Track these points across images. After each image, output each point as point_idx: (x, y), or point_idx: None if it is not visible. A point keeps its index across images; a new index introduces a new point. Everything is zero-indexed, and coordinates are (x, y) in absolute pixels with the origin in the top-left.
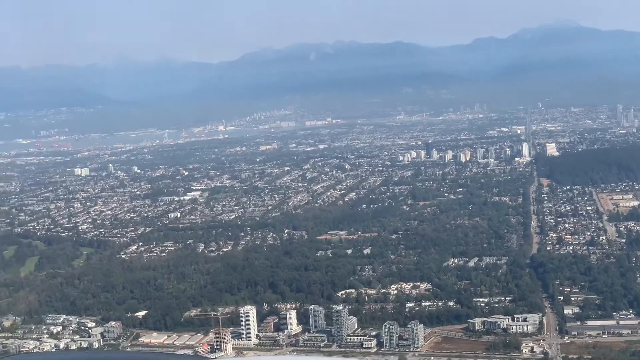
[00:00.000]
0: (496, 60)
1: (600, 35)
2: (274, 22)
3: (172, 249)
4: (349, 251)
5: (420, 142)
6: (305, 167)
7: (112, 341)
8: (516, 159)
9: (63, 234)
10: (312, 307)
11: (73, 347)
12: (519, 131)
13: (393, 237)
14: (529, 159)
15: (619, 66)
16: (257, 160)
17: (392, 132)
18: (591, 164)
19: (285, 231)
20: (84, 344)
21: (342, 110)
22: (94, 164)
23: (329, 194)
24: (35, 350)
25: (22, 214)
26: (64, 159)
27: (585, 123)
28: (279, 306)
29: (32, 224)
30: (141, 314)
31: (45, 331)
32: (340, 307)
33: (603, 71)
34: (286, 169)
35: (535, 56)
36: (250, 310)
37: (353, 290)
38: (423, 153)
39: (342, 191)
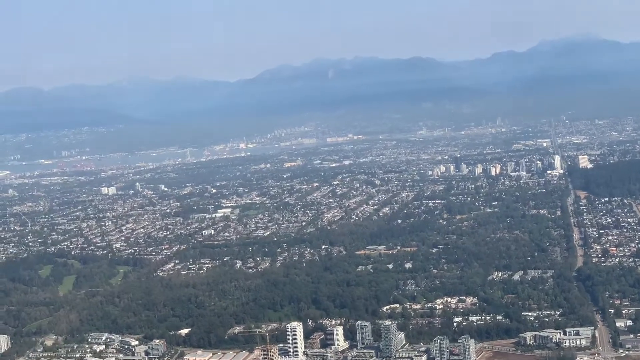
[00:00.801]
0: (516, 74)
1: (621, 48)
2: (291, 39)
3: (210, 266)
4: (390, 266)
5: (446, 157)
6: (334, 182)
7: (156, 359)
8: (548, 171)
9: (97, 253)
10: (359, 322)
11: None
12: (545, 144)
13: (433, 251)
14: (561, 171)
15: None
16: (284, 176)
17: (415, 147)
18: (627, 175)
19: (323, 247)
20: None
21: (363, 126)
22: (119, 182)
23: (362, 209)
24: None
25: (54, 233)
26: (88, 179)
27: (611, 135)
28: (324, 322)
29: (66, 243)
30: (184, 331)
31: (88, 350)
32: (389, 322)
33: (625, 83)
34: (315, 185)
35: (555, 69)
36: (297, 327)
37: (398, 305)
38: (452, 167)
39: (375, 206)
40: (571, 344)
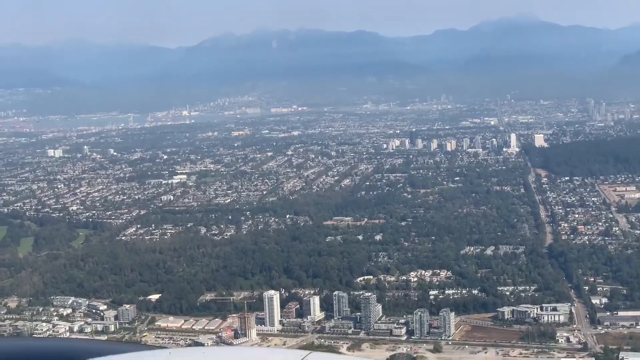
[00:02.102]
0: (458, 52)
1: (560, 31)
2: (234, 7)
3: (173, 231)
4: (360, 237)
5: (398, 131)
6: (288, 153)
7: (127, 325)
8: (504, 149)
9: (54, 215)
10: (336, 293)
11: (87, 329)
12: (492, 122)
13: (402, 224)
14: (517, 149)
15: (579, 61)
16: (235, 145)
17: (363, 120)
18: (585, 155)
19: (287, 216)
20: (99, 327)
21: (307, 98)
22: (63, 145)
23: (322, 180)
24: (49, 333)
25: (4, 193)
26: (29, 140)
27: (557, 116)
28: (298, 292)
29: (19, 204)
30: (154, 297)
31: (54, 313)
32: (369, 293)
33: (564, 66)
34: (269, 154)
35: (496, 49)
36: (274, 295)
37: (372, 277)
38: (407, 141)
39: (335, 177)
40: (549, 319)
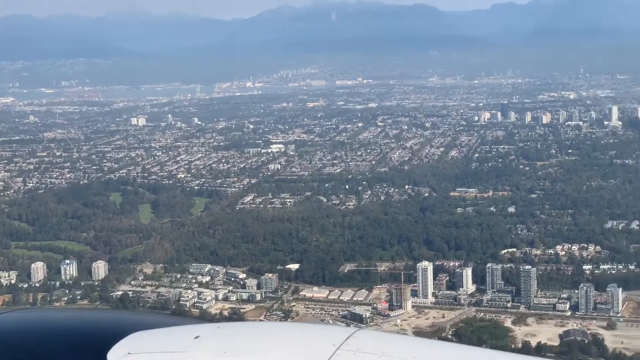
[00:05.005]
0: (518, 26)
1: (621, 3)
2: None
3: (292, 201)
4: (492, 209)
5: (481, 104)
6: (379, 124)
7: (270, 294)
8: (605, 122)
9: (164, 182)
10: (489, 265)
11: (233, 298)
12: (571, 96)
13: (532, 196)
14: (619, 123)
15: None
16: (319, 115)
17: (436, 93)
18: None
19: (406, 187)
20: (244, 296)
21: (371, 71)
22: (139, 114)
23: (427, 151)
24: (194, 300)
25: (105, 160)
26: (102, 109)
27: (636, 90)
28: (443, 264)
29: (124, 171)
30: (293, 266)
31: (193, 281)
32: (528, 266)
33: (628, 39)
34: (359, 125)
35: (557, 23)
36: (428, 267)
37: (515, 250)
38: (499, 114)
39: (441, 149)
40: None
